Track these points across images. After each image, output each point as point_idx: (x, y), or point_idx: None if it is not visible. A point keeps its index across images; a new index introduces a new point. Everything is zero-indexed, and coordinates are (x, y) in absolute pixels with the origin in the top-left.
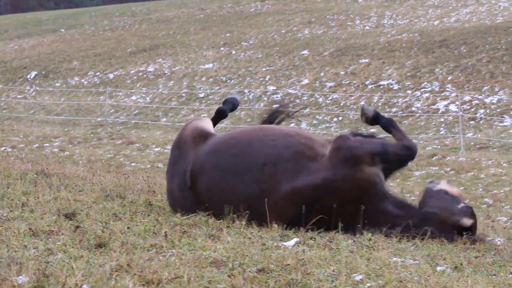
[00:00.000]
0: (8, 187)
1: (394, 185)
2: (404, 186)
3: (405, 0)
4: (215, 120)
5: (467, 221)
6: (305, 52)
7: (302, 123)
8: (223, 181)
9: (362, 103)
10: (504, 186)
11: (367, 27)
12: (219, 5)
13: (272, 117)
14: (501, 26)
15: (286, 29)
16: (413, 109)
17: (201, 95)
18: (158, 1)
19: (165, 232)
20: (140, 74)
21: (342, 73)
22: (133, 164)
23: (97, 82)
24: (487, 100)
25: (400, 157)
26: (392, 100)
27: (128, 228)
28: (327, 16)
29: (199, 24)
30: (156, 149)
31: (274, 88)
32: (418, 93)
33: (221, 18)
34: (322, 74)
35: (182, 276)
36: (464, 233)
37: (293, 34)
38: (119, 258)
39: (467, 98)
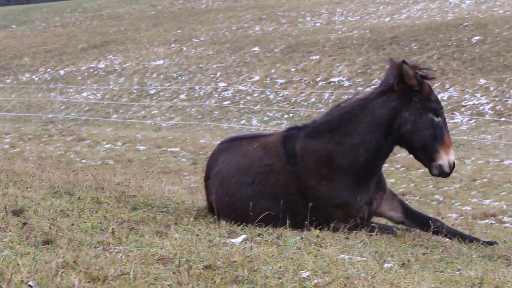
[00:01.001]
0: None
1: None
2: None
3: None
4: None
5: None
6: (256, 49)
7: (253, 120)
8: None
9: (313, 99)
10: (454, 183)
11: (318, 24)
12: (170, 1)
13: None
14: (452, 23)
15: (237, 26)
16: None
17: (152, 92)
18: None
19: (113, 229)
20: (91, 70)
21: (293, 69)
22: (83, 160)
23: (48, 79)
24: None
25: None
26: (342, 97)
27: (73, 224)
28: (278, 13)
29: (150, 21)
30: (107, 146)
31: (225, 84)
32: (368, 90)
33: (172, 14)
34: (273, 70)
35: (128, 273)
36: None
37: (244, 31)
38: (66, 254)
39: None
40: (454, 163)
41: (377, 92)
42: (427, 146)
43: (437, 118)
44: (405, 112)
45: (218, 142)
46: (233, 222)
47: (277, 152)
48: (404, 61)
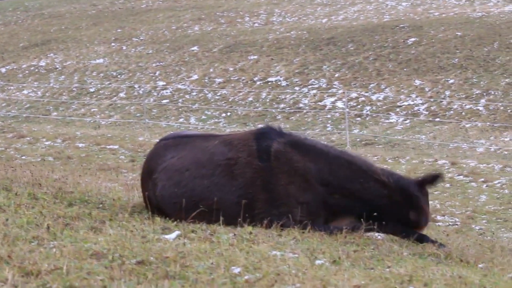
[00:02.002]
0: None
1: None
2: None
3: None
4: None
5: None
6: (195, 48)
7: (191, 118)
8: None
9: (250, 99)
10: None
11: (256, 24)
12: (111, 1)
13: None
14: (388, 24)
15: (176, 26)
16: (301, 105)
17: (92, 90)
18: None
19: (48, 224)
20: (32, 68)
21: (231, 69)
22: (23, 157)
23: None
24: (374, 97)
25: None
26: (280, 96)
27: (7, 220)
28: (217, 13)
29: (91, 20)
30: (47, 143)
31: (164, 83)
32: (305, 89)
33: (113, 14)
34: (211, 70)
35: (61, 267)
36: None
37: (183, 31)
38: (0, 249)
39: (353, 95)
40: None
41: (381, 181)
42: None
43: None
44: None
45: (157, 140)
46: (171, 216)
47: (247, 147)
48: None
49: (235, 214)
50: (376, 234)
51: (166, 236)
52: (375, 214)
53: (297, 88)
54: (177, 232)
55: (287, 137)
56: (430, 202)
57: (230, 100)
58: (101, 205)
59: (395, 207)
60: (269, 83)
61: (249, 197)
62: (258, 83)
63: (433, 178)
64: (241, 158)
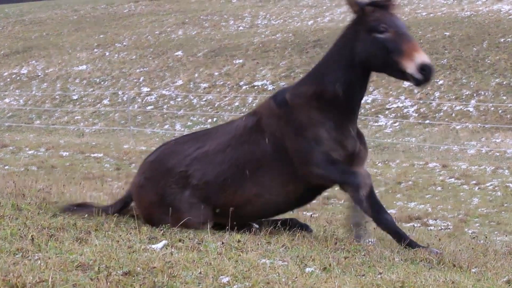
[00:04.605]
0: None
1: None
2: None
3: (279, 0)
4: None
5: None
6: (179, 53)
7: (176, 125)
8: None
9: (237, 104)
10: (380, 186)
11: (241, 28)
12: (93, 6)
13: None
14: None
15: (159, 30)
16: None
17: (75, 97)
18: (31, 2)
19: (32, 235)
20: (14, 76)
21: (216, 74)
22: (6, 167)
23: None
24: (362, 100)
25: None
26: None
27: None
28: (201, 17)
29: (73, 26)
30: (30, 152)
31: (148, 89)
32: None
33: (95, 19)
34: (196, 75)
35: (46, 280)
36: None
37: (167, 35)
38: None
39: None
40: (424, 64)
41: (342, 33)
42: (387, 64)
43: (380, 34)
44: (355, 44)
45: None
46: (220, 198)
47: (268, 105)
48: None
49: (274, 163)
50: (367, 240)
51: (153, 246)
52: None
53: None
54: (164, 242)
55: (293, 85)
56: (422, 207)
57: (216, 105)
58: (86, 215)
59: None
60: (255, 87)
61: (277, 141)
62: (244, 87)
63: None
64: (264, 114)
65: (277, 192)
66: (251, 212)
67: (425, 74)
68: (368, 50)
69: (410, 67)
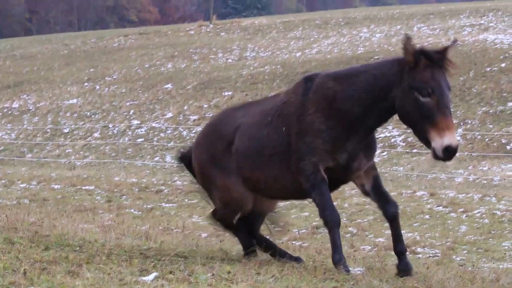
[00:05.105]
0: None
1: None
2: None
3: (267, 33)
4: None
5: None
6: (169, 86)
7: (166, 157)
8: None
9: None
10: (368, 215)
11: (229, 60)
12: (83, 40)
13: None
14: (363, 56)
15: (149, 63)
16: None
17: (66, 131)
18: (22, 37)
19: (24, 269)
20: (5, 110)
21: (206, 106)
22: None
23: None
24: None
25: None
26: None
27: None
28: (190, 50)
29: (63, 60)
30: (22, 185)
31: (138, 122)
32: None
33: (85, 53)
34: (185, 107)
35: None
36: None
37: (157, 68)
38: None
39: None
40: (450, 147)
41: (386, 61)
42: (416, 126)
43: (423, 97)
44: (397, 88)
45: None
46: (246, 170)
47: (296, 89)
48: (407, 34)
49: (286, 155)
50: (356, 269)
51: (144, 278)
52: None
53: None
54: (154, 274)
55: (328, 72)
56: (410, 235)
57: None
58: (78, 248)
59: None
60: None
61: (289, 134)
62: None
63: None
64: (290, 98)
65: (286, 182)
66: (264, 192)
67: (447, 155)
68: (405, 105)
69: (436, 142)
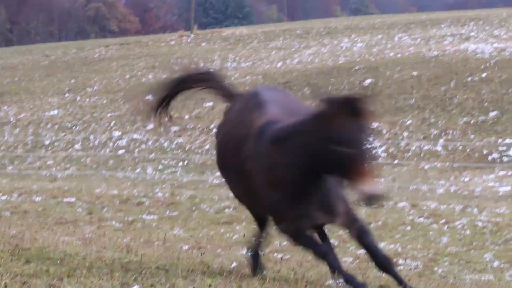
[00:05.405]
0: None
1: None
2: None
3: (248, 43)
4: None
5: None
6: (150, 97)
7: (148, 168)
8: None
9: (207, 147)
10: None
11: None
12: (64, 51)
13: None
14: (344, 66)
15: (130, 74)
16: None
17: (47, 142)
18: (2, 48)
19: (5, 283)
20: None
21: (187, 117)
22: None
23: None
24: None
25: None
26: None
27: None
28: (171, 60)
29: (44, 71)
30: (3, 198)
31: (119, 133)
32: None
33: (66, 64)
34: (166, 118)
35: None
36: None
37: (138, 79)
38: None
39: None
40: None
41: (307, 121)
42: (336, 174)
43: (338, 146)
44: (314, 147)
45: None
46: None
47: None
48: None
49: None
50: (338, 281)
51: None
52: None
53: None
54: (136, 287)
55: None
56: (391, 247)
57: (186, 148)
58: (59, 261)
59: None
60: None
61: None
62: (214, 130)
63: None
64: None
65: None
66: None
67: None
68: (322, 158)
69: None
